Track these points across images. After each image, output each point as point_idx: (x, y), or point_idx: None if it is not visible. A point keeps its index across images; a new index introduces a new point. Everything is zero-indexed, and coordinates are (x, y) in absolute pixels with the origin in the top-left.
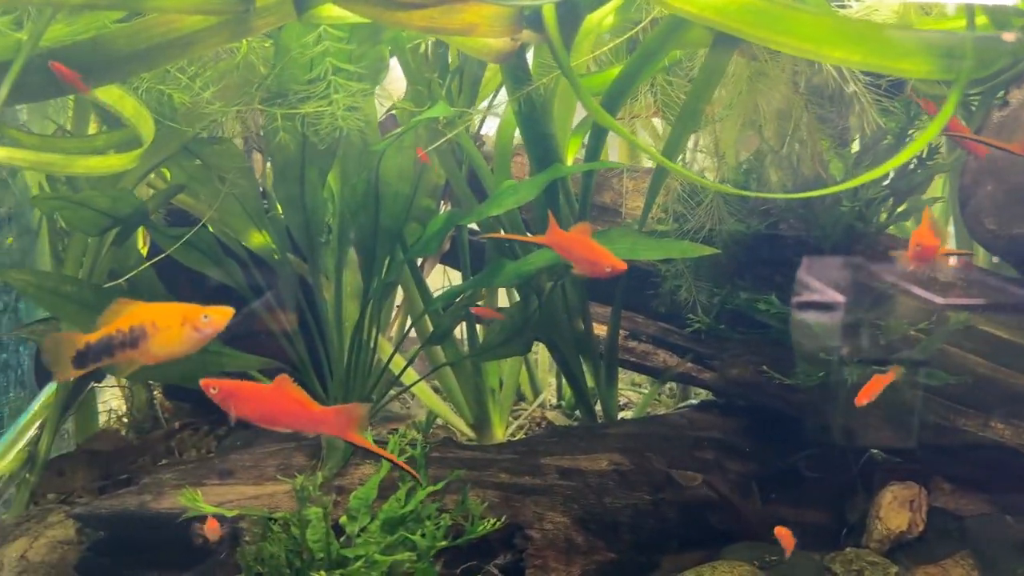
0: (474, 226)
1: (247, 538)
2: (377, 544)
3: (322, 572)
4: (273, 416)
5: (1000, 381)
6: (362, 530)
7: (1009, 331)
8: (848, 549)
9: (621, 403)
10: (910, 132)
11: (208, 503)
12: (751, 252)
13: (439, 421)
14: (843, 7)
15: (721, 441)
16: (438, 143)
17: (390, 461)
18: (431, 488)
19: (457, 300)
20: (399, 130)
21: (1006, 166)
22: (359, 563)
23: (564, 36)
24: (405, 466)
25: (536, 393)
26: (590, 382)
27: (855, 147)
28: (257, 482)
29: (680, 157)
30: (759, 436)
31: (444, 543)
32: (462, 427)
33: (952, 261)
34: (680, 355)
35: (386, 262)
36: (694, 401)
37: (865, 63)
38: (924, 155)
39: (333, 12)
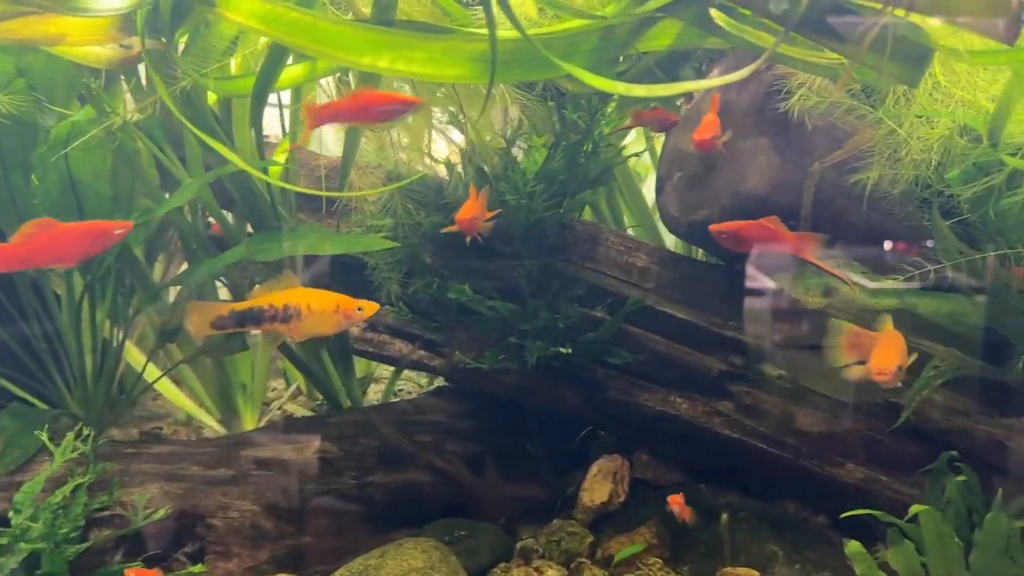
0: None
1: None
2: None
3: None
4: None
5: (677, 358)
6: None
7: (686, 311)
8: (555, 521)
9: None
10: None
11: None
12: (453, 245)
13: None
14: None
15: (443, 424)
16: (87, 136)
17: None
18: (79, 480)
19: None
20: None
21: (688, 157)
22: None
23: (168, 43)
24: None
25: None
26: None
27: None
28: None
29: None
30: (483, 418)
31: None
32: (212, 423)
33: None
34: (413, 344)
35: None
36: None
37: (392, 69)
38: (590, 149)
39: None
